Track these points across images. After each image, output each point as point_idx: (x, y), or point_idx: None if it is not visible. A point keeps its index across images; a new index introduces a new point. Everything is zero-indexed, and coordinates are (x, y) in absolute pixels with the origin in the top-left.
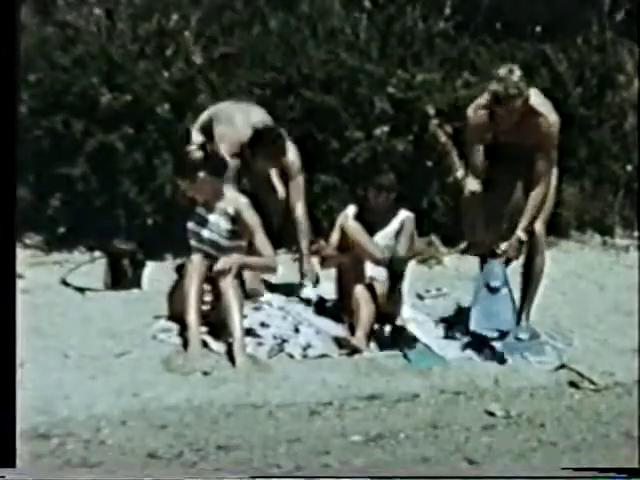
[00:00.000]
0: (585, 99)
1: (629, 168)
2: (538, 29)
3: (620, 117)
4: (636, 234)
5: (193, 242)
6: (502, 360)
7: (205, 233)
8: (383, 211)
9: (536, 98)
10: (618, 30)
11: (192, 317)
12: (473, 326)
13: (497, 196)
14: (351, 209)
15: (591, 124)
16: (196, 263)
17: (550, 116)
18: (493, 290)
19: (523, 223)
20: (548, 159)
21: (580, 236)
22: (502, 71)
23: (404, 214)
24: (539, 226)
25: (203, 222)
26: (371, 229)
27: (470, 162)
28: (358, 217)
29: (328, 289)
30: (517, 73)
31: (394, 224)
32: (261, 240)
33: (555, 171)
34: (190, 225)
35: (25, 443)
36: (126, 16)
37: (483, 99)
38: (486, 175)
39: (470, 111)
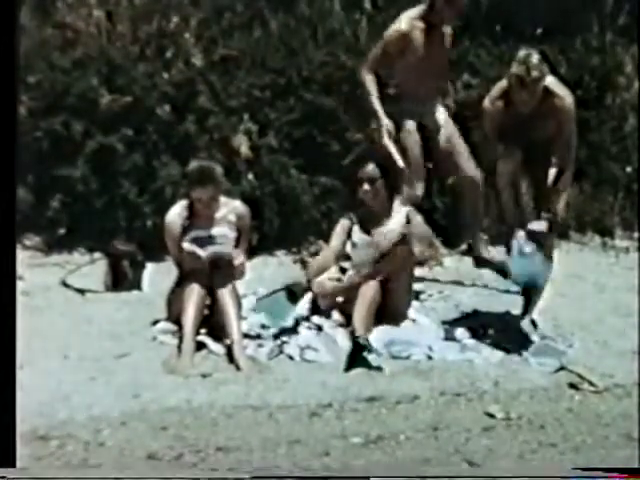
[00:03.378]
0: (585, 101)
1: (629, 169)
2: (538, 31)
3: (620, 119)
4: (636, 235)
5: (189, 266)
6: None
7: (210, 249)
8: (378, 204)
9: (552, 80)
10: (618, 32)
11: (189, 332)
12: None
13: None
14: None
15: (591, 126)
16: (195, 288)
17: (567, 98)
18: (526, 255)
19: (561, 196)
20: (567, 145)
21: (580, 237)
22: (522, 54)
23: (405, 208)
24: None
25: (206, 241)
26: (373, 227)
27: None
28: (360, 220)
29: None
30: (535, 56)
31: (398, 217)
32: (245, 247)
33: (569, 174)
34: (187, 247)
35: (25, 445)
36: (126, 18)
37: (498, 89)
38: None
39: (486, 102)
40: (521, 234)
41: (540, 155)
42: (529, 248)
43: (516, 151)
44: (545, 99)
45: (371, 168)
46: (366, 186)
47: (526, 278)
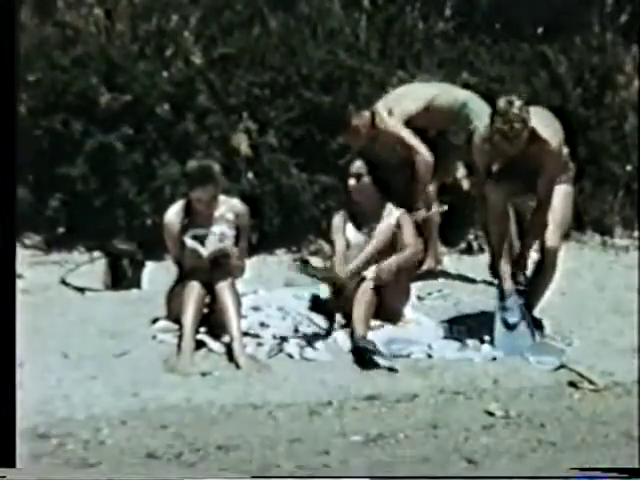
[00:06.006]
0: (585, 100)
1: (629, 168)
2: (538, 30)
3: (620, 117)
4: (636, 234)
5: (190, 264)
6: None
7: (211, 248)
8: (365, 201)
9: (536, 120)
10: (618, 31)
11: (188, 330)
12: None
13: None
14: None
15: (591, 124)
16: (195, 286)
17: (552, 140)
18: (511, 327)
19: (525, 246)
20: (549, 184)
21: (580, 236)
22: (502, 105)
23: (397, 211)
24: (554, 242)
25: (205, 239)
26: (363, 225)
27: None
28: (350, 217)
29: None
30: (517, 104)
31: (389, 220)
32: (245, 245)
33: (572, 190)
34: (190, 243)
35: (25, 443)
36: (126, 16)
37: (487, 129)
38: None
39: (476, 139)
40: (507, 303)
41: (527, 190)
42: (515, 317)
43: (505, 185)
44: (530, 143)
45: (358, 164)
46: (352, 181)
47: (513, 353)
